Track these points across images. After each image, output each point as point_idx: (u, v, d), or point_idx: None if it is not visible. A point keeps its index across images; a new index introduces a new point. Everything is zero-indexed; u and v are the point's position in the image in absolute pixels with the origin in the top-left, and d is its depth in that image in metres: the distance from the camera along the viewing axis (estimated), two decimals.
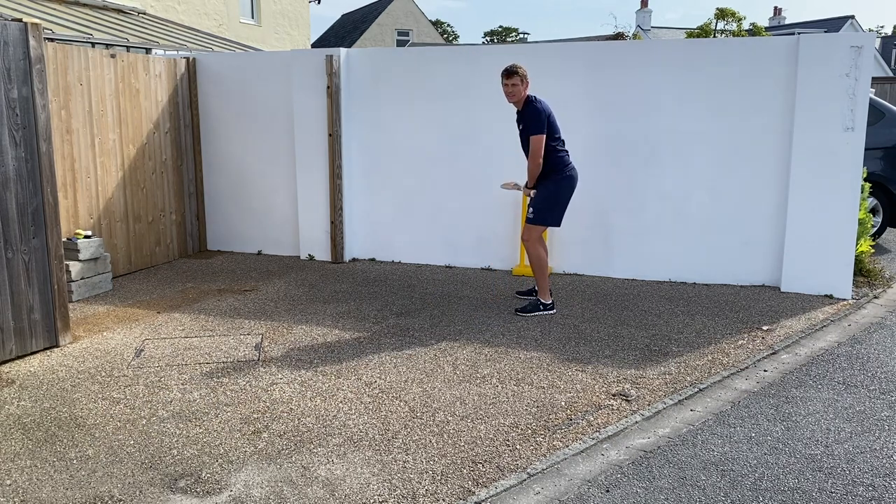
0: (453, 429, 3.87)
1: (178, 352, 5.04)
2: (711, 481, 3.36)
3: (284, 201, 7.91)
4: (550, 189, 5.71)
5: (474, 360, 4.86)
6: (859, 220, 6.42)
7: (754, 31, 28.21)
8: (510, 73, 5.56)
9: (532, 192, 5.71)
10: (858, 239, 6.67)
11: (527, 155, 5.68)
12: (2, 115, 4.68)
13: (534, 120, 5.54)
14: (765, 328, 5.49)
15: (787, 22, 41.19)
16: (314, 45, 33.57)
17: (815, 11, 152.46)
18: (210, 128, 8.07)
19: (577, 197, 6.87)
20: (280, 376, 4.58)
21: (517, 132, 5.80)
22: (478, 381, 4.50)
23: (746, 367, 4.72)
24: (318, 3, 24.10)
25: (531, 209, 5.74)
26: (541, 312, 5.79)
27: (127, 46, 8.98)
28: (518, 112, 5.76)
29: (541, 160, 5.56)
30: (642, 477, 3.40)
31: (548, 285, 5.83)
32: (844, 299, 6.18)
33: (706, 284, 6.68)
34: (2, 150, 4.70)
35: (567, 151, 5.77)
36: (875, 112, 8.00)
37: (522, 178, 6.08)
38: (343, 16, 48.12)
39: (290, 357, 4.92)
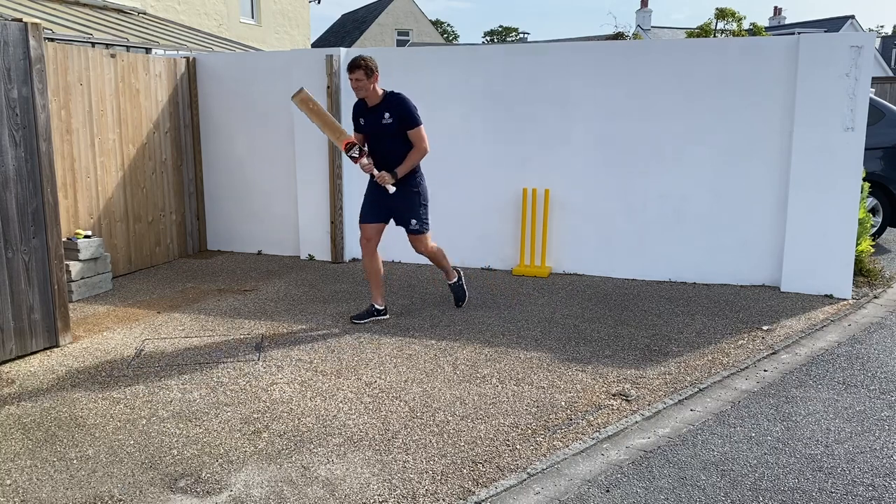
0: (453, 429, 3.87)
1: (178, 352, 5.04)
2: (711, 481, 3.36)
3: (284, 201, 7.91)
4: (422, 193, 5.55)
5: (474, 360, 4.86)
6: (859, 220, 6.42)
7: (754, 31, 28.18)
8: (353, 68, 5.23)
9: (390, 185, 5.33)
10: (858, 239, 6.67)
11: (376, 151, 5.44)
12: (2, 115, 4.68)
13: (411, 112, 5.37)
14: (765, 328, 5.49)
15: (787, 22, 41.16)
16: (314, 45, 33.55)
17: (815, 11, 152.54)
18: (210, 128, 8.07)
19: (578, 196, 6.91)
20: (280, 376, 4.58)
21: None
22: (478, 381, 4.50)
23: (746, 367, 4.72)
24: (318, 2, 24.11)
25: (414, 221, 5.49)
26: (462, 290, 5.91)
27: (127, 46, 8.98)
28: (371, 108, 5.39)
29: (424, 153, 5.36)
30: (642, 477, 3.40)
31: (450, 266, 5.89)
32: (844, 299, 6.18)
33: (706, 284, 6.68)
34: (2, 150, 4.70)
35: None
36: (875, 112, 8.00)
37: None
38: (343, 16, 48.13)
39: (290, 357, 4.92)
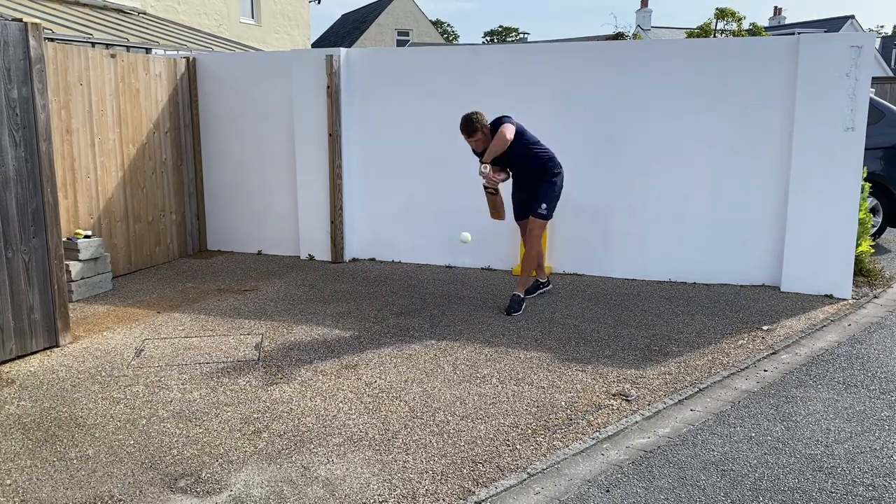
0: (453, 429, 3.87)
1: (178, 352, 5.04)
2: (711, 481, 3.36)
3: (284, 201, 7.91)
4: (556, 185, 5.94)
5: (474, 360, 4.86)
6: (859, 220, 6.42)
7: (754, 31, 28.18)
8: (471, 132, 5.60)
9: (485, 168, 5.65)
10: (858, 239, 6.67)
11: (512, 172, 5.94)
12: (2, 115, 4.68)
13: (502, 123, 5.66)
14: (765, 328, 5.49)
15: (787, 22, 41.17)
16: (314, 45, 33.56)
17: (815, 11, 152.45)
18: (210, 128, 8.07)
19: (578, 196, 6.91)
20: (280, 376, 4.58)
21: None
22: (478, 381, 4.50)
23: (746, 367, 4.72)
24: (318, 2, 24.11)
25: (544, 205, 5.85)
26: (525, 302, 5.98)
27: (127, 46, 8.98)
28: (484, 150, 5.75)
29: (507, 141, 5.52)
30: (642, 477, 3.40)
31: (529, 282, 6.07)
32: (844, 299, 6.18)
33: (706, 284, 6.68)
34: (2, 150, 4.70)
35: (550, 149, 5.97)
36: (875, 112, 7.99)
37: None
38: (343, 16, 48.13)
39: (290, 357, 4.92)
